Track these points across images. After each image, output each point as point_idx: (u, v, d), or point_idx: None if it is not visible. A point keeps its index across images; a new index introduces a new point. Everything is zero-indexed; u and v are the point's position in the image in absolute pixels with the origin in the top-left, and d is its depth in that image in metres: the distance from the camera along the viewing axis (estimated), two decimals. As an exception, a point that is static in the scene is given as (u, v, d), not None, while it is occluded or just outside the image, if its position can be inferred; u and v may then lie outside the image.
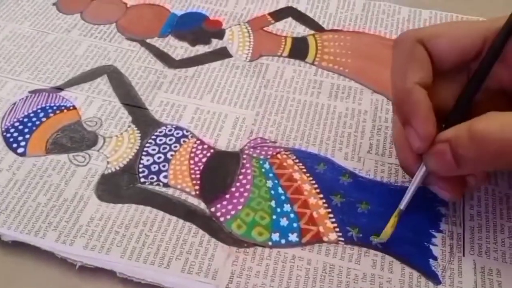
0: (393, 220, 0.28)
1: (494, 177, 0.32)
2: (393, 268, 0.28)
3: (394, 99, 0.28)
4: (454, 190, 0.28)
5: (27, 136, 0.33)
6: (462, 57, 0.27)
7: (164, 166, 0.32)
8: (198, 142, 0.33)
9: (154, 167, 0.32)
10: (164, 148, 0.33)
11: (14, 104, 0.35)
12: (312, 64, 0.38)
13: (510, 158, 0.23)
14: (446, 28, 0.28)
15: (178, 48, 0.39)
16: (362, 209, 0.30)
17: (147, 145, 0.33)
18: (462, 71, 0.28)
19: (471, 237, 0.29)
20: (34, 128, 0.34)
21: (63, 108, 0.35)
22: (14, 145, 0.33)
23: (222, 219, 0.29)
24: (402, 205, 0.28)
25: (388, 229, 0.28)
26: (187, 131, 0.34)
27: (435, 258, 0.28)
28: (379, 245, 0.29)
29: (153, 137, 0.33)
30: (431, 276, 0.27)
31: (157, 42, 0.40)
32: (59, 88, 0.36)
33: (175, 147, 0.33)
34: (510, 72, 0.27)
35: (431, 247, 0.29)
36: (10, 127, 0.34)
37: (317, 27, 0.41)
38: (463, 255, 0.28)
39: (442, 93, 0.27)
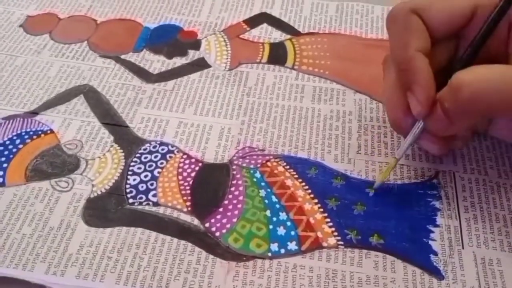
0: (387, 169, 0.30)
1: (483, 166, 0.32)
2: (395, 268, 0.27)
3: (396, 69, 0.29)
4: (442, 143, 0.29)
5: (5, 165, 0.32)
6: (454, 25, 0.29)
7: (152, 184, 0.31)
8: (184, 156, 0.32)
9: (142, 186, 0.31)
10: (150, 166, 0.32)
11: (-13, 132, 0.33)
12: (292, 68, 0.38)
13: (485, 107, 0.25)
14: None
15: (155, 62, 0.38)
16: (358, 210, 0.30)
17: (132, 164, 0.32)
18: (453, 38, 0.29)
19: (468, 229, 0.29)
20: (11, 156, 0.32)
21: (40, 132, 0.33)
22: (-9, 176, 0.31)
23: (217, 234, 0.29)
24: (399, 154, 0.29)
25: (382, 176, 0.30)
26: (172, 146, 0.33)
27: (436, 253, 0.28)
28: (378, 245, 0.28)
29: (138, 155, 0.32)
30: (434, 272, 0.27)
31: (132, 57, 0.39)
32: (34, 113, 0.35)
33: (162, 163, 0.32)
34: (498, 41, 0.28)
35: (430, 242, 0.28)
36: (-15, 157, 0.32)
37: (293, 31, 0.41)
38: (463, 248, 0.28)
39: (435, 59, 0.28)
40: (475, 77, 0.25)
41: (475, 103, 0.25)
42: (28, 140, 0.33)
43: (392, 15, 0.29)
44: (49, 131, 0.33)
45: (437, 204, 0.30)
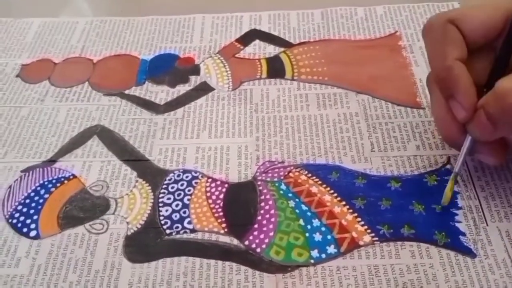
0: (450, 184, 0.30)
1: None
2: (430, 254, 0.29)
3: (436, 78, 0.30)
4: (497, 154, 0.30)
5: (35, 217, 0.32)
6: (489, 35, 0.29)
7: (184, 212, 0.32)
8: (210, 180, 0.33)
9: (175, 216, 0.32)
10: (179, 195, 0.33)
11: (10, 187, 0.33)
12: (292, 79, 0.39)
13: None
14: (473, 8, 0.30)
15: (159, 93, 0.39)
16: (384, 205, 0.31)
17: (161, 195, 0.33)
18: (490, 48, 0.30)
19: (487, 206, 0.31)
20: (39, 207, 0.32)
21: (62, 179, 0.34)
22: (25, 230, 0.31)
23: (258, 250, 0.30)
24: (456, 168, 0.30)
25: (448, 192, 0.30)
26: (195, 172, 0.34)
27: (464, 234, 0.30)
28: (411, 235, 0.30)
29: (164, 186, 0.33)
30: (466, 251, 0.29)
31: (136, 91, 0.39)
32: (52, 161, 0.35)
33: (189, 190, 0.33)
34: None
35: (457, 224, 0.30)
36: (14, 212, 0.32)
37: (285, 44, 0.42)
38: (487, 225, 0.30)
39: (474, 69, 0.29)
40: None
41: None
42: (53, 189, 0.33)
43: (429, 25, 0.30)
44: (71, 177, 0.34)
45: (455, 187, 0.32)
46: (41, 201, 0.33)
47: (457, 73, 0.28)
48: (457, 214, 0.31)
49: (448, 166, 0.33)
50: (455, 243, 0.29)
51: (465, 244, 0.29)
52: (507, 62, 0.29)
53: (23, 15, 0.46)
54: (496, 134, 0.28)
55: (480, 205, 0.31)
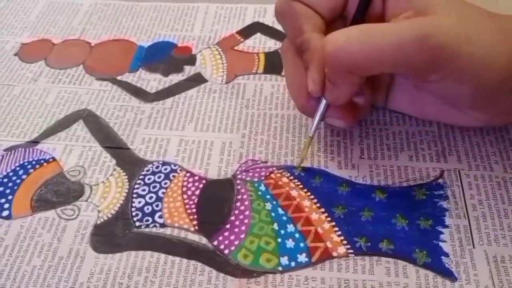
0: (305, 149, 0.31)
1: (488, 162, 0.32)
2: (407, 273, 0.27)
3: (298, 53, 0.30)
4: (348, 117, 0.30)
5: (10, 197, 0.32)
6: (335, 6, 0.30)
7: (157, 205, 0.31)
8: (188, 174, 0.32)
9: (148, 208, 0.31)
10: (154, 187, 0.32)
11: (-10, 165, 0.33)
12: (289, 76, 0.38)
13: (348, 61, 0.26)
14: None
15: (151, 81, 0.38)
16: (365, 217, 0.30)
17: (136, 186, 0.32)
18: (342, 17, 0.31)
19: (477, 227, 0.29)
20: (15, 187, 0.32)
21: (42, 161, 0.33)
22: (-3, 209, 0.31)
23: (226, 251, 0.29)
24: (311, 132, 0.31)
25: (301, 154, 0.32)
26: (175, 165, 0.33)
27: (447, 255, 0.28)
28: (389, 251, 0.28)
29: (141, 177, 0.32)
30: (447, 274, 0.27)
31: (128, 77, 0.39)
32: (35, 142, 0.35)
33: (165, 183, 0.32)
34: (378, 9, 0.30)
35: (441, 244, 0.28)
36: (-10, 191, 0.32)
37: (287, 39, 0.41)
38: (473, 247, 0.28)
39: None
40: (337, 35, 0.26)
41: (339, 58, 0.26)
42: (31, 170, 0.33)
43: (278, 10, 0.31)
44: (51, 159, 0.34)
45: (444, 204, 0.30)
46: (18, 181, 0.32)
47: (313, 45, 0.28)
48: (442, 233, 0.29)
49: (440, 181, 0.31)
50: (435, 263, 0.27)
51: (446, 265, 0.27)
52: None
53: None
54: (339, 93, 0.28)
55: (469, 225, 0.29)
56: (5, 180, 0.33)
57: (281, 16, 0.31)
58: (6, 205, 0.31)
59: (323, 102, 0.30)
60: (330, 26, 0.30)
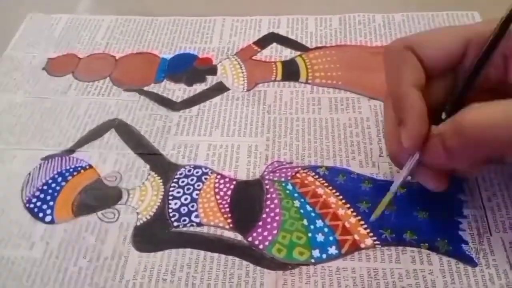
0: (382, 203, 0.30)
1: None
2: (431, 260, 0.29)
3: (392, 102, 0.30)
4: (440, 180, 0.29)
5: (51, 203, 0.33)
6: (448, 61, 0.29)
7: (192, 206, 0.33)
8: (219, 176, 0.34)
9: (184, 209, 0.33)
10: (188, 189, 0.34)
11: (29, 174, 0.35)
12: (306, 83, 0.40)
13: (490, 145, 0.25)
14: (431, 34, 0.30)
15: (176, 91, 0.40)
16: (389, 210, 0.32)
17: (171, 189, 0.34)
18: (450, 73, 0.29)
19: (493, 216, 0.31)
20: (56, 194, 0.34)
21: (79, 169, 0.35)
22: (41, 215, 0.33)
23: (261, 246, 0.31)
24: (393, 188, 0.30)
25: (378, 210, 0.30)
26: (205, 168, 0.35)
27: (467, 243, 0.30)
28: (413, 241, 0.30)
29: (175, 180, 0.34)
30: (467, 260, 0.29)
31: (154, 88, 0.41)
32: (71, 150, 0.37)
33: (198, 185, 0.34)
34: (497, 72, 0.28)
35: (460, 233, 0.30)
36: (32, 198, 0.34)
37: (302, 48, 0.43)
38: (491, 235, 0.30)
39: (433, 94, 0.29)
40: (478, 116, 0.25)
41: (479, 141, 0.25)
42: (70, 177, 0.35)
43: (387, 50, 0.30)
44: (88, 167, 0.35)
45: (461, 196, 0.32)
46: (58, 188, 0.34)
47: (410, 100, 0.27)
48: (461, 223, 0.31)
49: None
50: (457, 251, 0.30)
51: (467, 252, 0.30)
52: (469, 90, 0.28)
53: (53, 11, 0.48)
54: (450, 164, 0.27)
55: (486, 215, 0.31)
56: (45, 187, 0.34)
57: (386, 58, 0.30)
58: (48, 211, 0.33)
59: (416, 157, 0.28)
60: (432, 81, 0.29)
